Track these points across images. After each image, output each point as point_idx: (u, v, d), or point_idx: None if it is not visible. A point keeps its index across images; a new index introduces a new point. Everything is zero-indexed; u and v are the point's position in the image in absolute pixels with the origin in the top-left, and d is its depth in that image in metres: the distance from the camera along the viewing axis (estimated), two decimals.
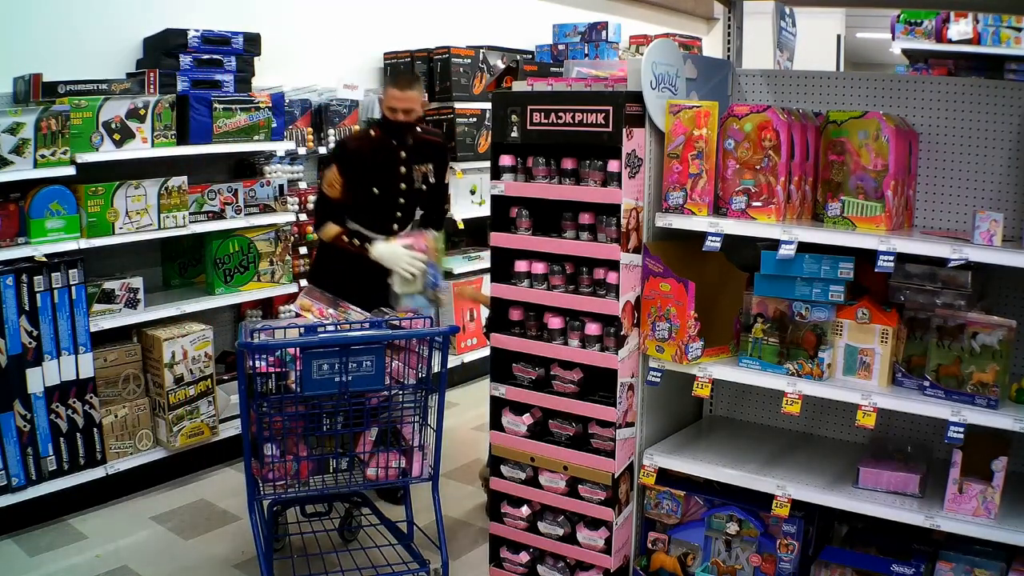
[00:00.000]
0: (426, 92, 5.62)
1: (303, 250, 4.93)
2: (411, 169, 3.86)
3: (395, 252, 3.70)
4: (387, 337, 2.93)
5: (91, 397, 3.88)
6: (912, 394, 2.46)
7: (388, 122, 3.77)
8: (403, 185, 3.84)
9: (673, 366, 2.73)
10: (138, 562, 3.57)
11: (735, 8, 3.16)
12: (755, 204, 2.60)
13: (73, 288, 3.78)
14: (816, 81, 2.96)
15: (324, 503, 3.59)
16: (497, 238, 2.96)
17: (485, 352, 5.47)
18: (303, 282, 4.54)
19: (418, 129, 3.88)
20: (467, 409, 5.06)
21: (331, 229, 3.79)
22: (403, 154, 3.81)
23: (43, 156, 3.64)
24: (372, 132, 3.87)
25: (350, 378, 2.84)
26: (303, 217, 4.94)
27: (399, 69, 3.75)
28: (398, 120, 3.72)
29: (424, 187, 3.92)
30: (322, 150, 5.11)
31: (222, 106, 4.27)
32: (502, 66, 5.71)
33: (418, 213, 4.05)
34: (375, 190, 3.79)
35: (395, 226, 3.88)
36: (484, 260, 5.75)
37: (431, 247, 3.73)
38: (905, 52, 5.39)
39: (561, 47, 6.25)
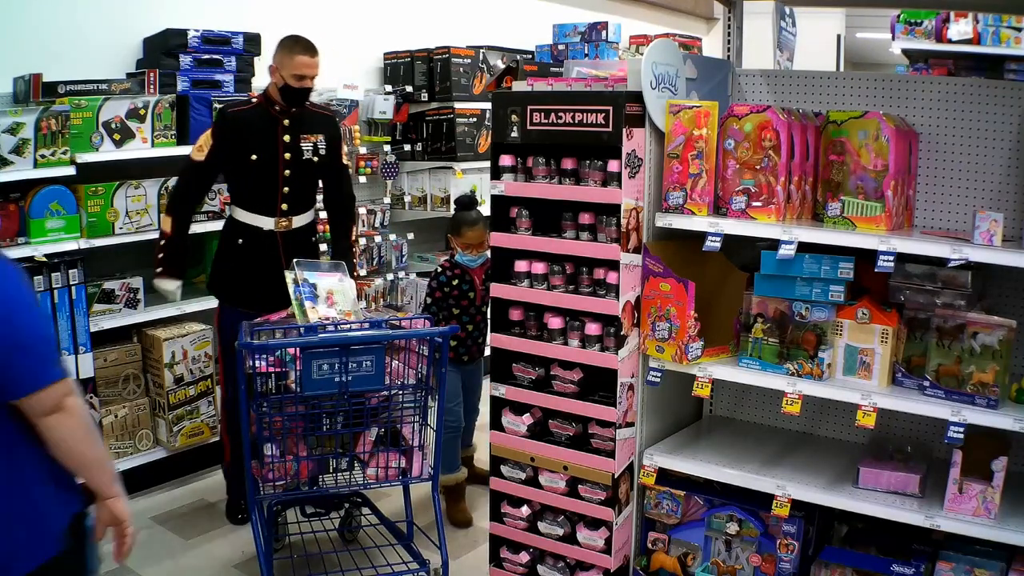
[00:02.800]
0: (426, 92, 5.66)
1: None
2: (297, 137, 3.64)
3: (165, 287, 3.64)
4: (387, 337, 2.93)
5: (91, 397, 3.88)
6: (912, 394, 2.46)
7: (288, 91, 3.56)
8: (287, 155, 3.61)
9: (673, 366, 2.73)
10: (138, 562, 3.57)
11: (735, 8, 3.16)
12: (755, 204, 2.60)
13: (73, 288, 3.78)
14: (816, 81, 2.96)
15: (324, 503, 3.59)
16: (497, 238, 2.96)
17: (485, 352, 5.47)
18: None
19: (306, 102, 3.72)
20: None
21: (165, 223, 3.64)
22: (287, 121, 3.62)
23: (43, 156, 3.64)
24: (253, 100, 3.70)
25: (350, 378, 2.84)
26: None
27: (295, 35, 3.66)
28: (304, 87, 3.55)
29: (316, 159, 3.69)
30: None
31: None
32: (502, 66, 5.71)
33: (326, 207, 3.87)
34: (253, 156, 3.56)
35: (283, 205, 3.65)
36: None
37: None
38: (905, 52, 5.39)
39: (561, 47, 6.25)
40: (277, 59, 3.57)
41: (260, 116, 3.62)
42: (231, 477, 3.93)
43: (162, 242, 3.68)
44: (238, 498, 3.90)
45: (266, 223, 3.65)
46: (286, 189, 3.65)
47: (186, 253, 3.73)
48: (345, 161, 3.90)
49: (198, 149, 3.61)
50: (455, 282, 3.74)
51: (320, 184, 3.88)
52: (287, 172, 3.63)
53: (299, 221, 3.74)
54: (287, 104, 3.60)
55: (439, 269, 3.82)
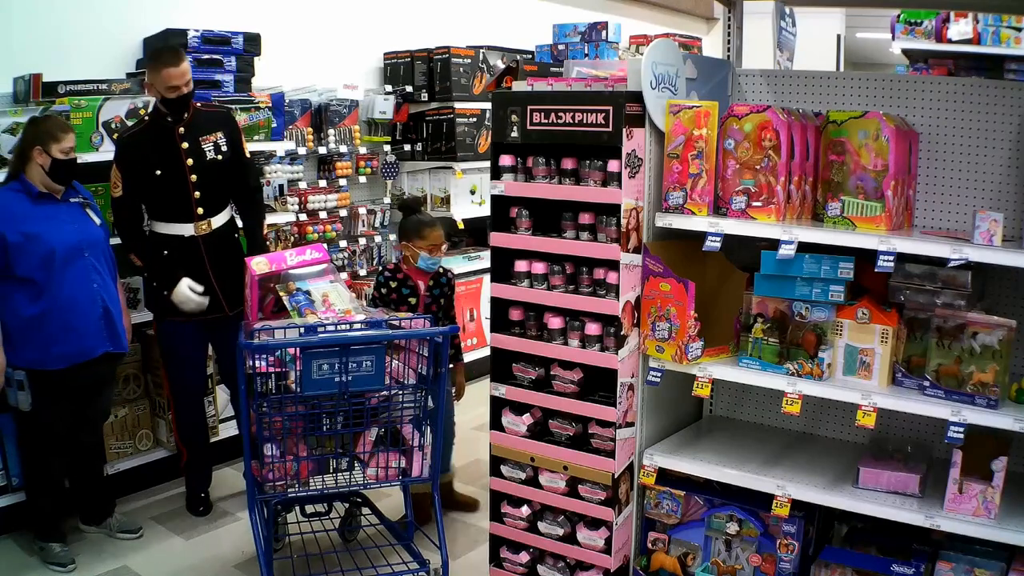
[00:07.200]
0: (426, 92, 5.66)
1: None
2: (196, 141, 3.70)
3: (184, 294, 3.68)
4: (387, 337, 2.93)
5: None
6: (912, 394, 2.46)
7: (168, 102, 3.60)
8: (190, 160, 3.67)
9: (673, 366, 2.72)
10: (138, 562, 3.57)
11: (735, 8, 3.16)
12: (755, 204, 2.60)
13: None
14: (816, 81, 2.96)
15: (324, 503, 3.59)
16: (497, 238, 2.96)
17: (485, 352, 5.48)
18: None
19: (198, 104, 3.79)
20: (467, 409, 5.06)
21: (134, 260, 3.79)
22: (181, 129, 3.67)
23: None
24: (146, 118, 3.74)
25: (350, 378, 2.84)
26: (303, 217, 4.94)
27: (158, 47, 3.86)
28: (181, 95, 3.59)
29: (220, 157, 3.75)
30: (322, 150, 5.11)
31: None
32: (502, 66, 5.71)
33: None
34: (157, 172, 3.64)
35: (199, 209, 3.72)
36: (484, 260, 5.76)
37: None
38: (905, 52, 5.39)
39: (561, 47, 6.25)
40: (148, 77, 3.62)
41: (155, 131, 3.67)
42: (188, 474, 4.09)
43: (145, 274, 3.89)
44: (197, 491, 4.05)
45: (186, 230, 3.73)
46: (197, 194, 3.72)
47: (170, 260, 3.77)
48: (248, 154, 3.98)
49: (113, 186, 3.69)
50: (393, 284, 3.62)
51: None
52: (194, 177, 3.70)
53: (217, 221, 3.82)
54: (174, 113, 3.64)
55: (380, 268, 3.77)
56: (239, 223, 4.01)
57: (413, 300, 3.63)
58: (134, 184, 3.67)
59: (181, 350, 3.85)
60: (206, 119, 3.78)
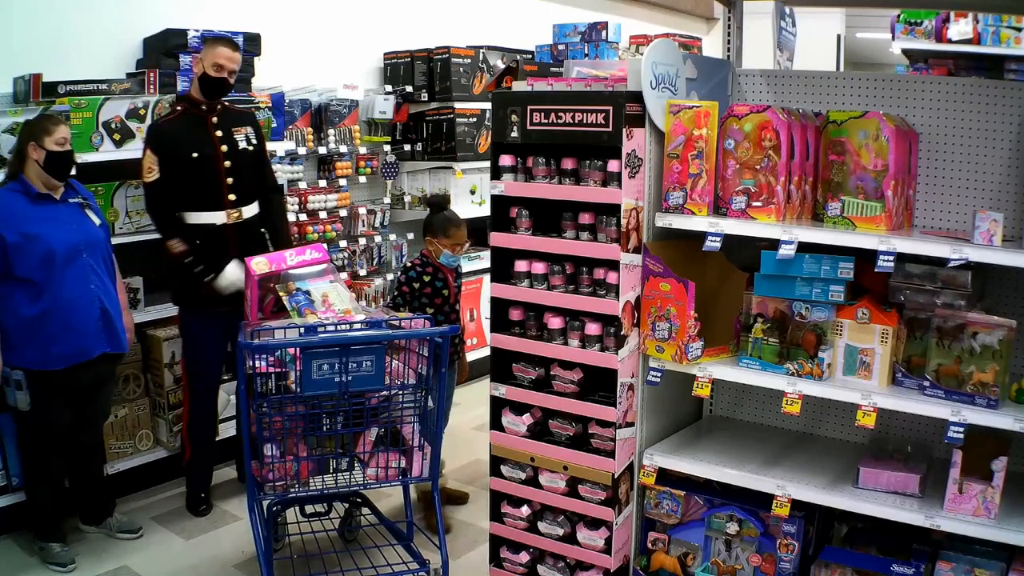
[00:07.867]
0: (426, 92, 5.66)
1: None
2: (228, 131, 3.83)
3: (233, 274, 3.74)
4: (387, 337, 2.93)
5: None
6: (912, 394, 2.46)
7: (207, 84, 3.70)
8: (223, 147, 3.79)
9: (673, 366, 2.72)
10: (138, 562, 3.57)
11: (735, 8, 3.16)
12: (755, 204, 2.60)
13: None
14: (816, 81, 2.96)
15: (324, 503, 3.59)
16: (497, 238, 2.96)
17: (485, 352, 5.48)
18: None
19: (225, 103, 3.90)
20: (467, 409, 5.07)
21: (176, 247, 3.77)
22: (214, 119, 3.80)
23: None
24: (179, 107, 3.83)
25: (350, 378, 2.84)
26: (303, 217, 4.94)
27: (217, 34, 4.03)
28: (221, 78, 3.70)
29: (251, 148, 3.89)
30: (322, 150, 5.11)
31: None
32: (502, 66, 5.71)
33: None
34: (194, 154, 3.72)
35: (231, 196, 3.81)
36: (484, 260, 5.76)
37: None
38: (905, 52, 5.39)
39: (561, 47, 6.25)
40: (201, 53, 3.77)
41: (190, 119, 3.79)
42: (189, 473, 4.09)
43: (188, 259, 3.77)
44: (197, 491, 4.06)
45: (218, 218, 3.80)
46: (230, 180, 3.81)
47: (201, 249, 3.80)
48: (267, 153, 4.11)
49: (147, 171, 3.72)
50: (426, 279, 3.76)
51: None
52: (227, 163, 3.79)
53: (248, 212, 3.90)
54: (207, 96, 3.76)
55: (408, 265, 3.86)
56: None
57: (446, 292, 3.79)
58: (170, 167, 3.72)
59: (204, 340, 3.89)
60: (236, 115, 3.94)
